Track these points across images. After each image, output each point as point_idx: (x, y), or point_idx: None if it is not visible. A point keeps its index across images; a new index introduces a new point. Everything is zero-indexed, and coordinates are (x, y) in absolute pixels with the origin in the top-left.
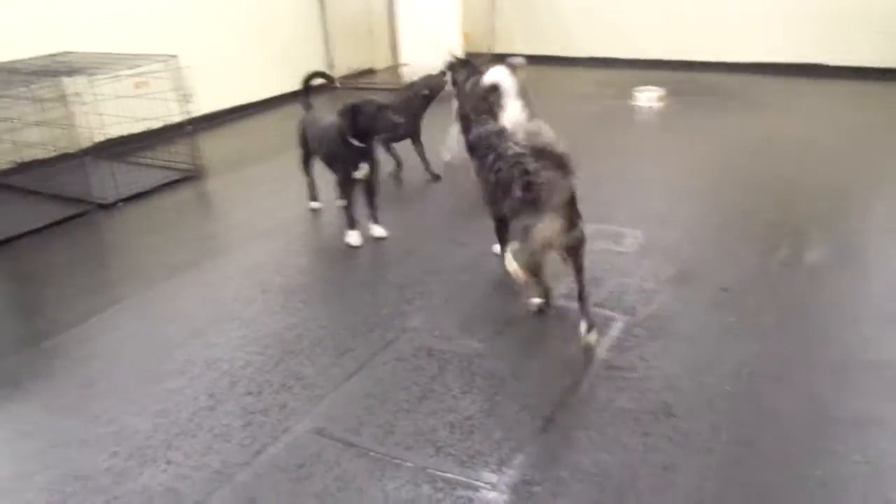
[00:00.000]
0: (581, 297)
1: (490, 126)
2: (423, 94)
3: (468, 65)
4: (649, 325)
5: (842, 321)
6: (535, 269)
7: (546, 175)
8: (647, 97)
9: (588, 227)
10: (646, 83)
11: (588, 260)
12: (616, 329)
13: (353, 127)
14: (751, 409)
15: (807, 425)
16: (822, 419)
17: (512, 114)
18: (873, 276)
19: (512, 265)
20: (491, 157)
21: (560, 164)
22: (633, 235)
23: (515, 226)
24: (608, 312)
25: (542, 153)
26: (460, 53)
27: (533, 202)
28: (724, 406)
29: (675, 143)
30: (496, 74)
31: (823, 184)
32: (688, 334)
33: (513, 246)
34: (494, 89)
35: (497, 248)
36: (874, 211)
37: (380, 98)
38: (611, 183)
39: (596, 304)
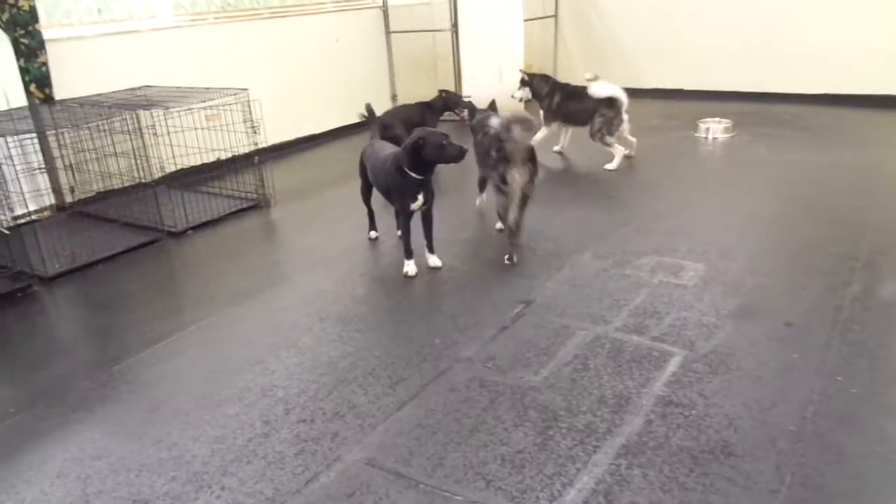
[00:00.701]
0: (518, 225)
1: (487, 113)
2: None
3: (548, 80)
4: (709, 360)
5: None
6: (504, 210)
7: (512, 140)
8: (713, 128)
9: (648, 259)
10: (712, 114)
11: (647, 292)
12: (674, 364)
13: (414, 158)
14: (817, 450)
15: (877, 468)
16: (894, 462)
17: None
18: None
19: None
20: (480, 134)
21: (527, 127)
22: (695, 268)
23: (494, 176)
24: (667, 347)
25: (511, 127)
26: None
27: (505, 158)
28: (788, 446)
29: (741, 175)
30: (609, 89)
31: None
32: (749, 371)
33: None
34: (611, 102)
35: (479, 199)
36: None
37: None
38: (672, 215)
39: (654, 339)
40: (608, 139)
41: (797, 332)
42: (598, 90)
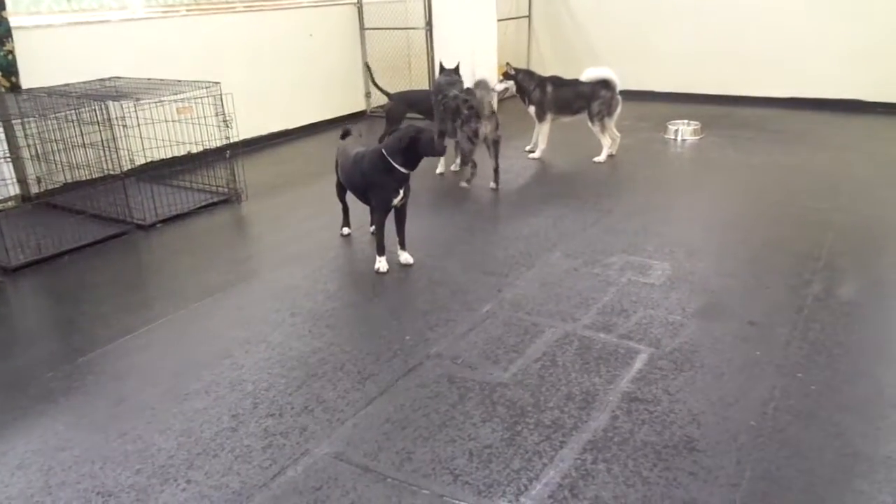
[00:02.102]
0: (496, 170)
1: (450, 78)
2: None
3: (533, 75)
4: (674, 357)
5: (873, 358)
6: (469, 154)
7: (477, 100)
8: (682, 130)
9: (616, 259)
10: (681, 116)
11: (615, 291)
12: (640, 361)
13: (408, 153)
14: (776, 444)
15: (833, 463)
16: (849, 457)
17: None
18: None
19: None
20: (441, 96)
21: (486, 88)
22: (662, 268)
23: (466, 129)
24: (634, 344)
25: (474, 90)
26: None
27: (476, 115)
28: (749, 441)
29: (708, 176)
30: (602, 71)
31: (857, 218)
32: (713, 368)
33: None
34: (607, 83)
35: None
36: None
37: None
38: (641, 215)
39: (621, 336)
40: (607, 121)
41: (760, 330)
42: (592, 74)
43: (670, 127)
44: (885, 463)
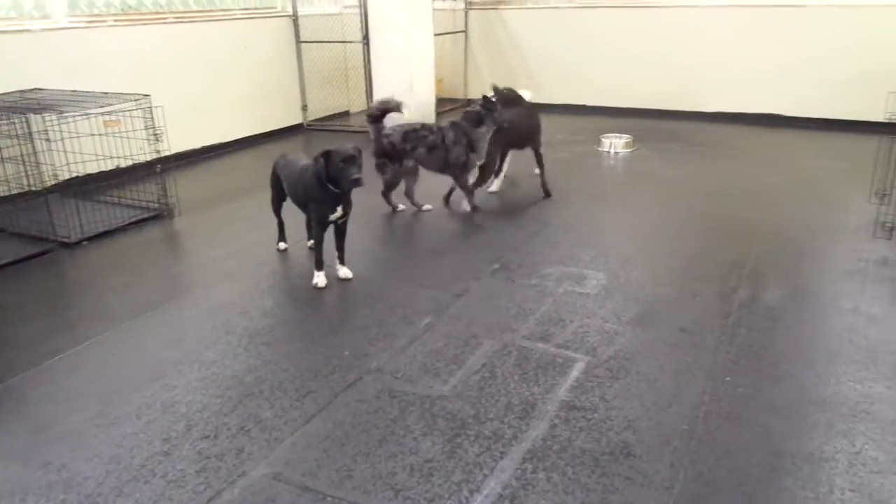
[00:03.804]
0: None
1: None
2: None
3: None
4: (610, 365)
5: (796, 360)
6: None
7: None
8: (615, 143)
9: (553, 269)
10: (614, 130)
11: (552, 301)
12: (578, 370)
13: (327, 172)
14: (707, 447)
15: (760, 462)
16: (775, 456)
17: None
18: (826, 316)
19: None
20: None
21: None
22: (597, 277)
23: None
24: (571, 353)
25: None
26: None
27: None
28: (682, 445)
29: (640, 188)
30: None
31: (779, 227)
32: (647, 374)
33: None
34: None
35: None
36: (828, 254)
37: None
38: (577, 227)
39: (559, 346)
40: None
41: (690, 336)
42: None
43: (604, 140)
44: (807, 460)
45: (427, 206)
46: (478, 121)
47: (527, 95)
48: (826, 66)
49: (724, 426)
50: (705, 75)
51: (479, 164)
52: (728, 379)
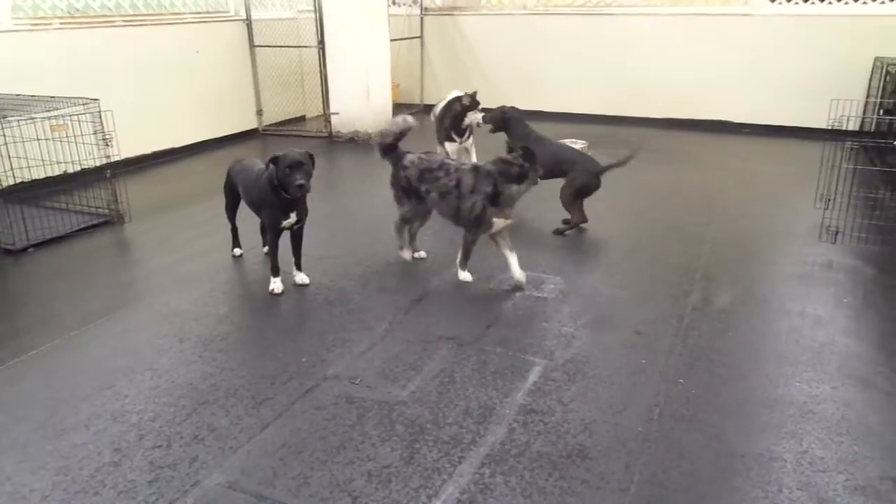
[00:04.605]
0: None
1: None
2: None
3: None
4: (567, 368)
5: (746, 362)
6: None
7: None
8: None
9: (510, 274)
10: (569, 136)
11: (510, 305)
12: (535, 374)
13: (276, 177)
14: (661, 448)
15: (712, 463)
16: (726, 456)
17: None
18: (775, 318)
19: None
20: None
21: None
22: (554, 282)
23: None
24: (529, 357)
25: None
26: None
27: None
28: (637, 447)
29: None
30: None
31: (729, 231)
32: (603, 377)
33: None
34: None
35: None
36: (776, 257)
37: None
38: (533, 231)
39: (517, 350)
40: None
41: (645, 339)
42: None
43: None
44: (757, 460)
45: (421, 254)
46: (518, 177)
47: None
48: (772, 74)
49: (677, 427)
50: (657, 82)
51: (506, 223)
52: (681, 381)
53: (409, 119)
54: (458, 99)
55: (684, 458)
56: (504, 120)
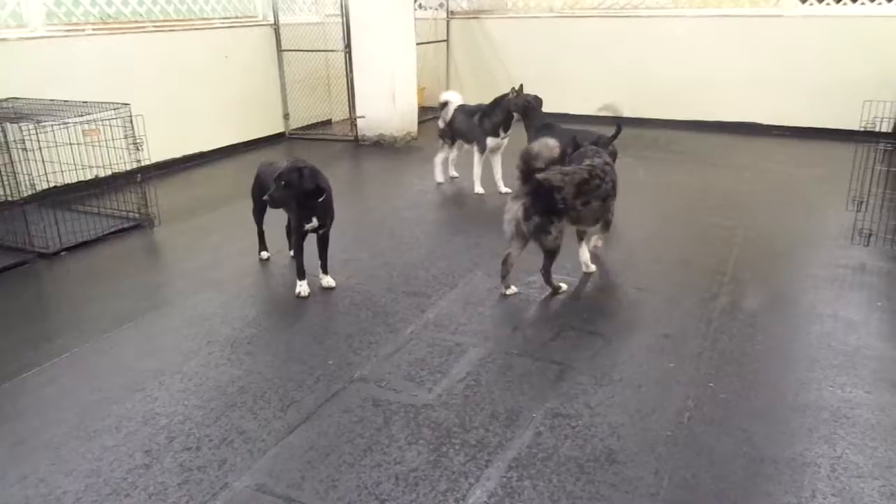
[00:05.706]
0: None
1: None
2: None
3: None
4: (594, 372)
5: (777, 366)
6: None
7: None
8: None
9: (536, 277)
10: None
11: (535, 308)
12: (562, 377)
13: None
14: (691, 453)
15: (743, 468)
16: (758, 461)
17: None
18: (806, 322)
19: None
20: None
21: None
22: (581, 284)
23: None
24: (554, 360)
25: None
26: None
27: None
28: (666, 451)
29: (621, 195)
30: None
31: (757, 234)
32: (631, 381)
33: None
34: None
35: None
36: (807, 260)
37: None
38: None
39: (543, 353)
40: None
41: (673, 343)
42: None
43: None
44: (789, 465)
45: (514, 290)
46: (614, 156)
47: (457, 98)
48: (803, 75)
49: (707, 432)
50: (685, 84)
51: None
52: (711, 385)
53: (553, 144)
54: (506, 95)
55: (714, 462)
56: (526, 107)
